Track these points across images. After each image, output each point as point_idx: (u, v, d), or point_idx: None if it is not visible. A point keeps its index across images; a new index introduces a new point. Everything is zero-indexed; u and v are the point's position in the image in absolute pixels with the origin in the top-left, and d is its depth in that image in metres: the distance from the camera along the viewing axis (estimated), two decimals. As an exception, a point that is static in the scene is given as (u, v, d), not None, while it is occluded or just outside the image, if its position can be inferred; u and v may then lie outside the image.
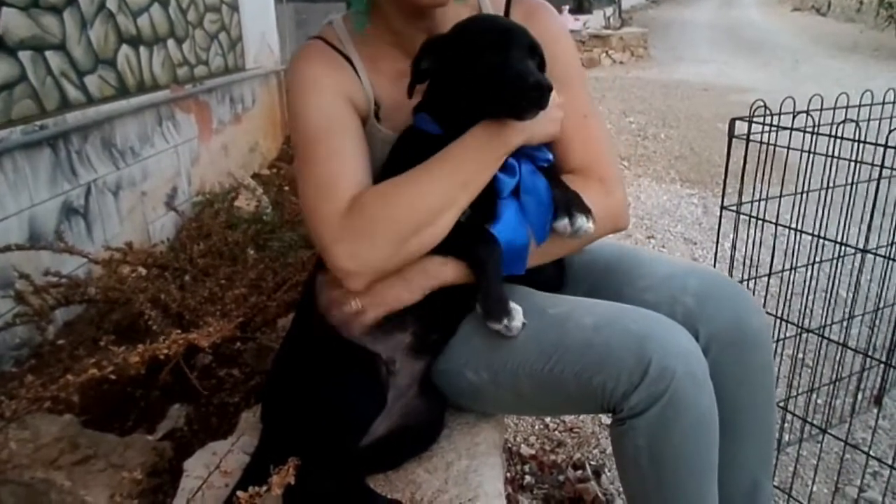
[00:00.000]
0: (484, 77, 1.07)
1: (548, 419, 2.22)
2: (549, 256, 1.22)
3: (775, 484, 1.88)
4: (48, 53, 2.64)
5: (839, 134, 1.70)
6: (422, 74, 1.16)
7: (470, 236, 1.12)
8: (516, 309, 1.13)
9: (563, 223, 1.13)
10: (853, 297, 1.96)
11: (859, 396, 2.21)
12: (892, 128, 1.70)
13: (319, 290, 1.22)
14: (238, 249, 2.18)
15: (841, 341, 1.96)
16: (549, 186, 1.15)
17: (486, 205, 1.14)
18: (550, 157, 1.20)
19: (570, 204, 1.14)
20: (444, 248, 1.13)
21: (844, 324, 2.07)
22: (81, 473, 1.40)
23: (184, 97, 3.75)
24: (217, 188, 3.91)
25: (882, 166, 1.71)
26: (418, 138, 1.17)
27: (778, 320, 1.97)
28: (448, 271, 1.14)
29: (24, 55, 2.50)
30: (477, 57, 1.08)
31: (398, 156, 1.20)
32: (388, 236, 1.08)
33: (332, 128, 1.16)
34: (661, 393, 1.03)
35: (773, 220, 1.85)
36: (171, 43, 3.68)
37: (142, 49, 3.36)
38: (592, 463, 2.04)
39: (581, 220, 1.12)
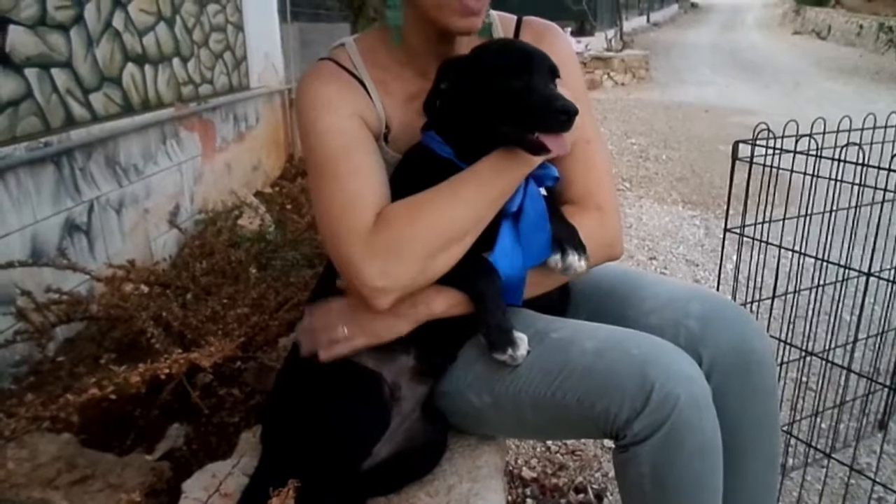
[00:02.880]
0: (508, 101, 1.08)
1: (549, 442, 2.20)
2: (544, 287, 1.22)
3: (780, 509, 1.86)
4: (54, 71, 2.65)
5: (842, 157, 1.71)
6: (439, 94, 1.16)
7: (469, 267, 1.12)
8: (521, 338, 1.13)
9: (554, 259, 1.14)
10: (857, 320, 1.95)
11: (864, 421, 2.19)
12: (895, 151, 1.70)
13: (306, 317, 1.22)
14: (240, 268, 2.18)
15: (845, 365, 1.95)
16: (546, 210, 1.16)
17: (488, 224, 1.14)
18: (556, 173, 1.21)
19: (563, 240, 1.14)
20: (445, 277, 1.12)
21: (848, 347, 2.05)
22: (79, 493, 1.39)
23: (188, 115, 3.77)
24: (220, 206, 3.91)
25: (886, 189, 1.71)
26: (427, 158, 1.17)
27: (781, 343, 1.96)
28: (439, 304, 1.15)
29: (31, 72, 2.51)
30: (500, 81, 1.09)
31: (407, 173, 1.20)
32: (417, 252, 1.08)
33: (350, 146, 1.15)
34: (664, 419, 1.02)
35: (777, 243, 1.85)
36: (176, 62, 3.70)
37: (147, 67, 3.39)
38: (595, 487, 2.02)
39: (572, 258, 1.13)
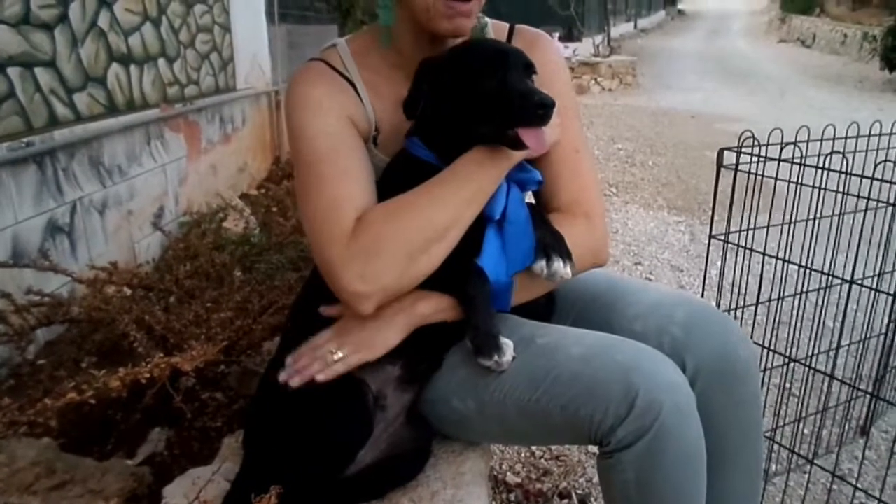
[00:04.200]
0: (486, 99, 1.08)
1: (534, 447, 2.20)
2: (532, 294, 1.22)
3: (762, 515, 1.87)
4: (37, 70, 2.62)
5: (826, 165, 1.72)
6: (421, 95, 1.16)
7: (458, 271, 1.12)
8: (507, 343, 1.12)
9: (539, 265, 1.14)
10: (840, 327, 1.96)
11: (846, 427, 2.21)
12: (878, 160, 1.72)
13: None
14: (225, 271, 2.15)
15: (828, 371, 1.96)
16: (529, 217, 1.16)
17: (473, 229, 1.13)
18: (539, 177, 1.21)
19: (548, 247, 1.14)
20: (432, 283, 1.12)
21: (831, 354, 2.07)
22: (57, 499, 1.36)
23: (173, 116, 3.74)
24: (205, 208, 3.87)
25: (868, 198, 1.73)
26: (411, 164, 1.17)
27: (765, 350, 1.97)
28: (426, 308, 1.15)
29: (13, 71, 2.48)
30: (476, 80, 1.09)
31: (392, 180, 1.19)
32: (396, 254, 1.08)
33: (338, 149, 1.15)
34: (648, 426, 1.02)
35: (761, 250, 1.86)
36: (161, 62, 3.68)
37: (132, 68, 3.36)
38: (579, 492, 2.02)
39: (557, 265, 1.13)
